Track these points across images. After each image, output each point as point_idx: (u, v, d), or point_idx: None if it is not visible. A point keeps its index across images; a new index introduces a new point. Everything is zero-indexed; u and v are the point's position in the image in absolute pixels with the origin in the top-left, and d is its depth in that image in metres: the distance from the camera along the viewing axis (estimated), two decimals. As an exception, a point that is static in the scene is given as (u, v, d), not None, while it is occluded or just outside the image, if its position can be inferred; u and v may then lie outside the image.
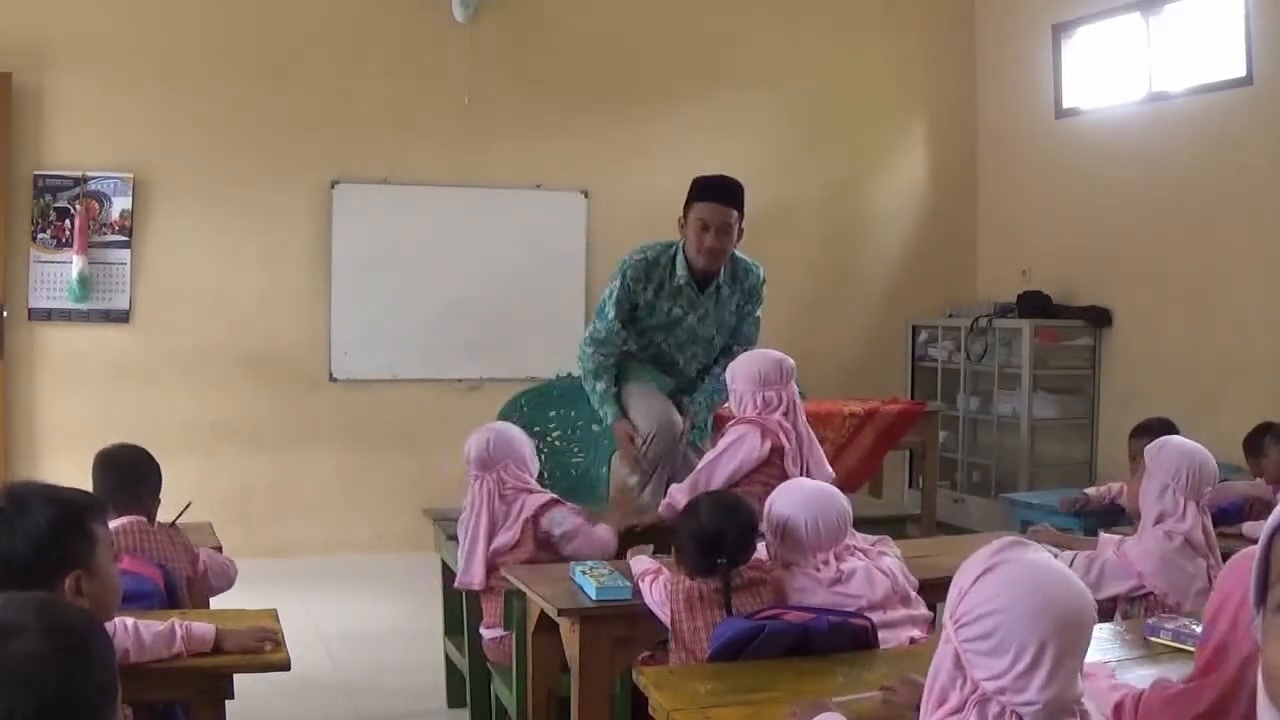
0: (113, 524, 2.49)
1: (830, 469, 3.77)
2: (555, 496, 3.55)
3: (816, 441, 3.82)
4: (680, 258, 4.18)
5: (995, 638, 1.60)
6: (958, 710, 1.65)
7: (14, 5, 6.01)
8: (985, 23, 7.84)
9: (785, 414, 3.68)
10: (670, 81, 7.08)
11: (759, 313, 4.37)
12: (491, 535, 3.44)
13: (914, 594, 2.80)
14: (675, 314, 4.24)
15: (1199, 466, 3.07)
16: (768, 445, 3.63)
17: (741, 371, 3.74)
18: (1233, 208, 6.19)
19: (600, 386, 4.24)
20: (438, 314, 6.73)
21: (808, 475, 3.62)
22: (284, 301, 6.53)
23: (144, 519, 2.94)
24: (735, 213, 4.12)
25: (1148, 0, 6.72)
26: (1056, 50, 7.31)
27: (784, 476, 3.61)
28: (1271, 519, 1.08)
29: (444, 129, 6.72)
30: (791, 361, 3.76)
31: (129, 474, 3.04)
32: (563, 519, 3.48)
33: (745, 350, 4.11)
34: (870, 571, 2.74)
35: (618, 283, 4.20)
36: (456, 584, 3.54)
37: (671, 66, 6.83)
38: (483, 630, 3.59)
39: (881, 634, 2.57)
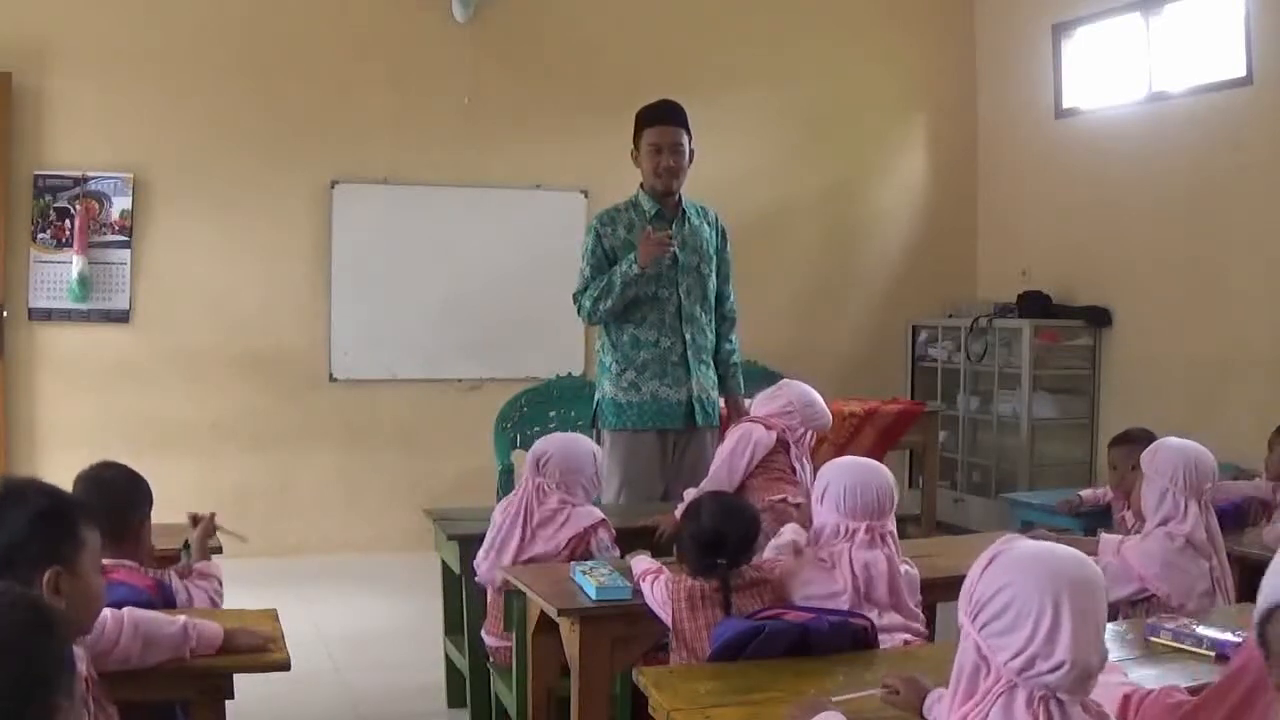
0: None
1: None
2: (604, 518, 3.47)
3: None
4: (642, 195, 4.40)
5: (1011, 612, 1.64)
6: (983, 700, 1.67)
7: (14, 5, 6.01)
8: (985, 23, 7.84)
9: (797, 438, 3.83)
10: (670, 81, 7.04)
11: (730, 258, 4.59)
12: (523, 541, 3.39)
13: (916, 609, 2.80)
14: None
15: (1195, 464, 3.06)
16: (773, 435, 3.76)
17: (798, 390, 3.91)
18: (1233, 208, 6.19)
19: (605, 291, 4.30)
20: (438, 314, 6.73)
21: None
22: (284, 301, 6.53)
23: (135, 565, 2.72)
24: (683, 132, 4.36)
25: (1148, 0, 6.72)
26: (1056, 50, 7.31)
27: (792, 467, 3.75)
28: (1263, 600, 1.00)
29: (444, 129, 6.72)
30: (830, 421, 3.98)
31: (114, 498, 2.71)
32: (607, 546, 3.43)
33: (733, 315, 4.54)
34: (879, 566, 2.74)
35: (590, 238, 4.41)
36: (479, 578, 3.48)
37: (671, 66, 6.82)
38: (486, 636, 3.59)
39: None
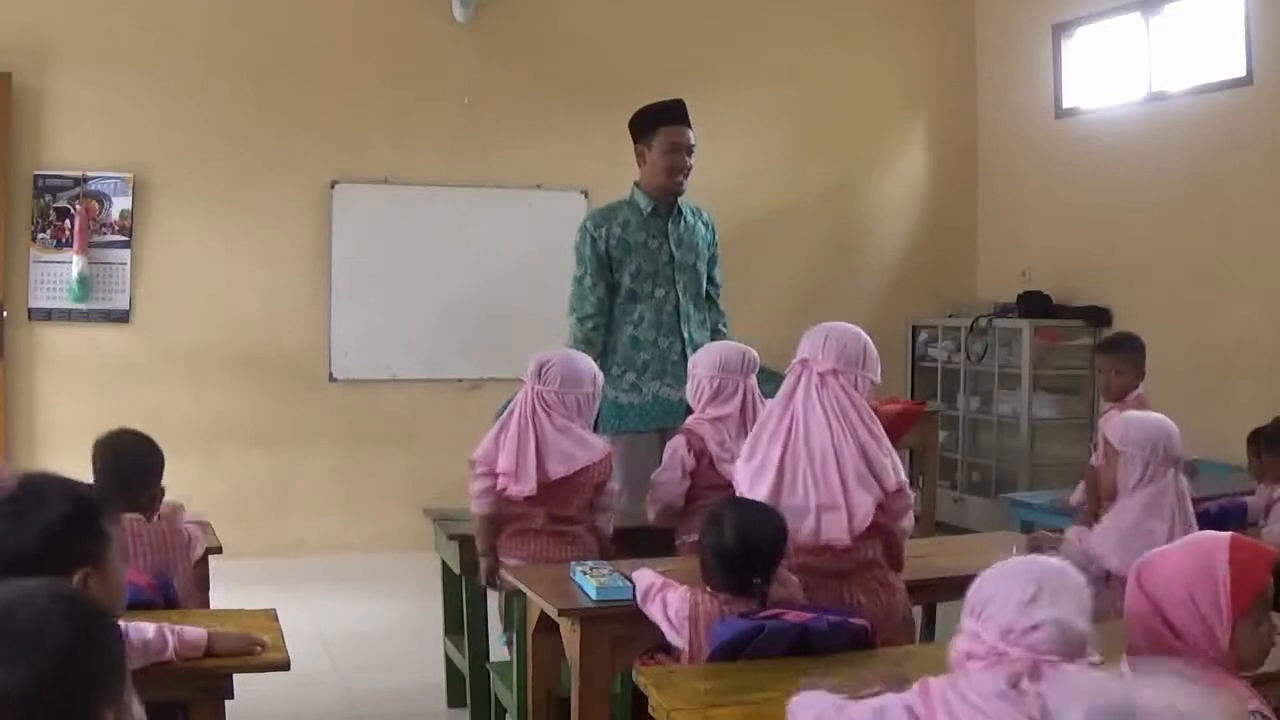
0: None
1: None
2: (611, 451, 3.52)
3: None
4: (637, 193, 4.37)
5: (997, 597, 1.85)
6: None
7: (14, 5, 6.01)
8: (985, 23, 7.84)
9: (741, 406, 3.64)
10: (670, 82, 7.03)
11: (719, 253, 4.58)
12: (538, 445, 3.40)
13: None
14: (653, 245, 4.33)
15: (1169, 436, 3.10)
16: (692, 456, 3.60)
17: (703, 359, 3.75)
18: (1233, 208, 6.19)
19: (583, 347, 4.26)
20: (438, 314, 6.73)
21: None
22: (284, 301, 6.53)
23: (139, 517, 2.87)
24: (693, 133, 4.39)
25: (1148, 0, 6.72)
26: (1056, 50, 7.31)
27: (722, 481, 3.42)
28: None
29: (444, 129, 6.72)
30: (754, 354, 3.75)
31: (130, 463, 3.01)
32: (614, 492, 3.50)
33: (718, 295, 4.53)
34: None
35: (586, 247, 4.32)
36: (511, 491, 3.41)
37: (672, 67, 6.81)
38: (505, 552, 3.51)
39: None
